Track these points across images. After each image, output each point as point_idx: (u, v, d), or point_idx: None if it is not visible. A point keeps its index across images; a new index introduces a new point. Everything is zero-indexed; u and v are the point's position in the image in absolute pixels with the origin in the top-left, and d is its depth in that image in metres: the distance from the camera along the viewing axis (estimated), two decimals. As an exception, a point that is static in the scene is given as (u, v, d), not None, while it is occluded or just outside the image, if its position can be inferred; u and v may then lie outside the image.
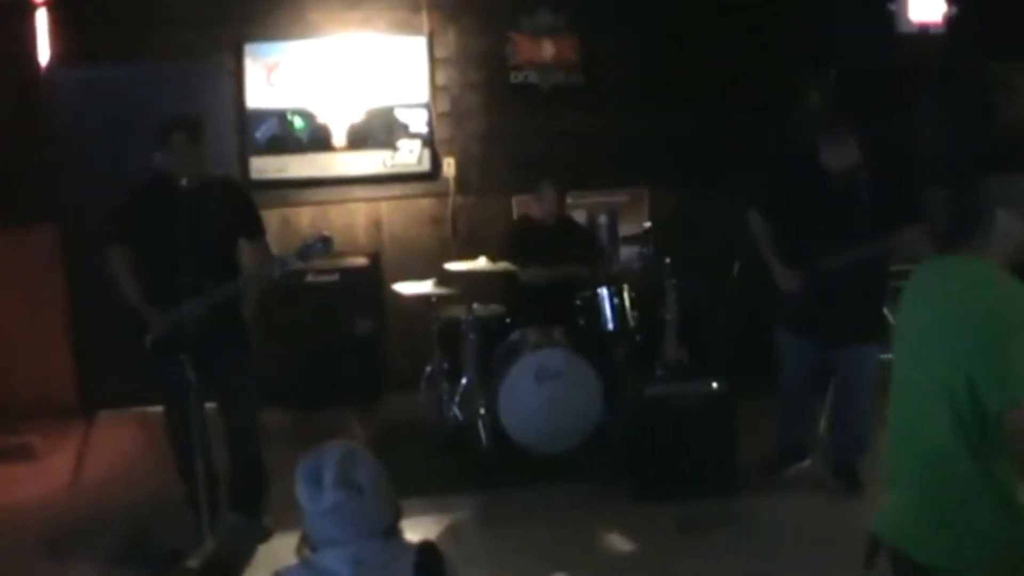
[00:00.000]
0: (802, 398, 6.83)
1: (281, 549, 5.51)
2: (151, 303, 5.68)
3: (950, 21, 7.88)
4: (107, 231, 5.93)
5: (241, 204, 6.03)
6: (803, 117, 7.21)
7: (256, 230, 5.99)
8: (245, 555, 5.89)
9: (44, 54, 8.24)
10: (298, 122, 8.63)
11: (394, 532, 2.98)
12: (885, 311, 6.55)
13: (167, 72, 8.32)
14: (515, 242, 7.96)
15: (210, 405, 5.84)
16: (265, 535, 6.03)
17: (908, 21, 7.79)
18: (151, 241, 5.70)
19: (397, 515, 3.00)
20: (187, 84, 8.32)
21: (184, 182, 5.63)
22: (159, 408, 6.05)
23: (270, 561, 5.70)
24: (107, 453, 7.71)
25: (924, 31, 7.85)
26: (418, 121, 8.80)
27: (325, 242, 5.71)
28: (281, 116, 8.62)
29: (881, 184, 6.34)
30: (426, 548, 3.00)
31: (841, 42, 8.41)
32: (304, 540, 2.97)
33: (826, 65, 8.50)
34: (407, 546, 3.00)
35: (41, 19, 8.20)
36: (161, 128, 5.72)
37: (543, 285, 7.73)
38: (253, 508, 6.10)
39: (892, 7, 7.83)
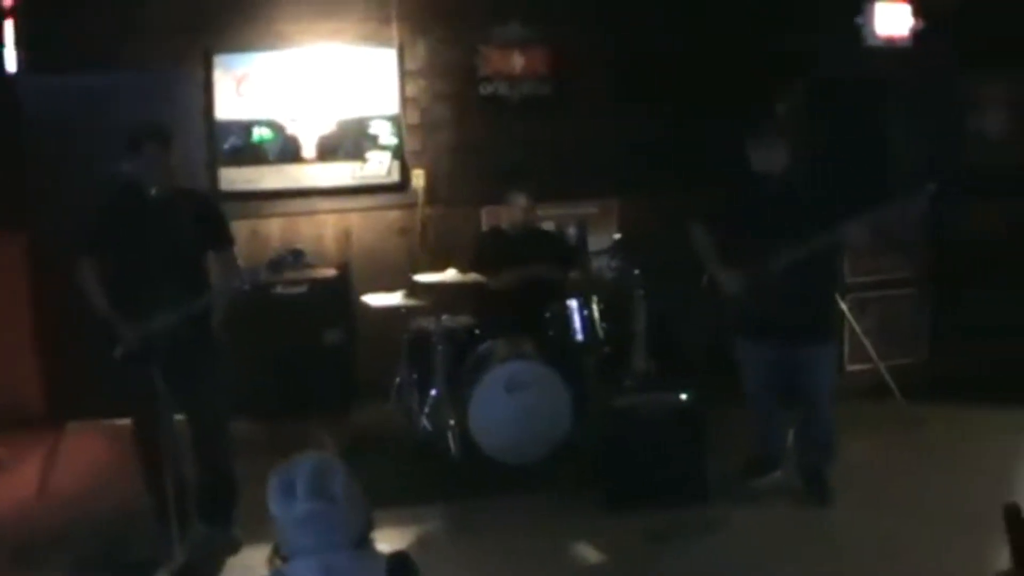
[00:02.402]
0: (768, 406, 6.85)
1: (253, 560, 5.52)
2: (121, 314, 5.63)
3: (917, 35, 7.94)
4: (77, 242, 5.89)
5: (210, 215, 6.01)
6: (777, 126, 7.26)
7: (225, 241, 5.97)
8: (215, 566, 5.86)
9: (12, 63, 8.20)
10: (267, 133, 8.62)
11: (366, 542, 2.99)
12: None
13: (136, 82, 8.28)
14: (484, 252, 7.98)
15: (179, 416, 5.82)
16: (235, 546, 6.00)
17: (875, 35, 7.85)
18: (120, 252, 5.68)
19: (369, 526, 3.01)
20: (156, 94, 8.26)
21: (153, 192, 5.60)
22: (128, 419, 6.02)
23: (242, 572, 5.72)
24: (75, 464, 7.66)
25: (891, 44, 7.91)
26: (388, 133, 8.81)
27: (297, 255, 5.71)
28: (250, 127, 8.61)
29: (823, 185, 6.43)
30: (398, 558, 3.01)
31: (810, 54, 8.46)
32: (276, 550, 2.98)
33: (795, 76, 8.56)
34: (379, 556, 3.00)
35: (9, 28, 8.16)
36: (131, 137, 5.69)
37: (513, 296, 7.73)
38: (223, 519, 6.06)
39: (859, 20, 7.89)
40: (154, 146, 5.69)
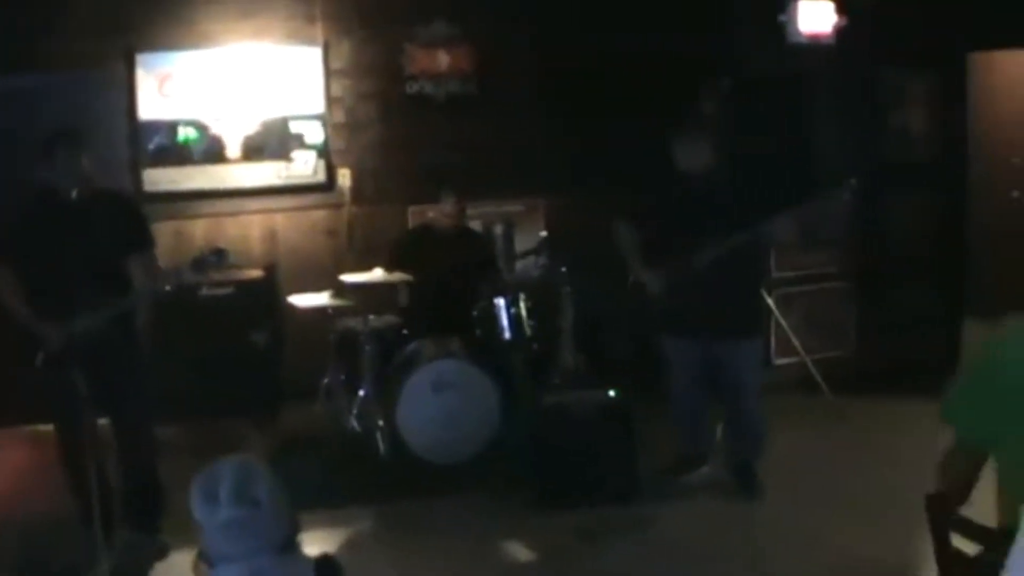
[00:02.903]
0: (695, 402, 6.90)
1: (178, 566, 5.47)
2: (42, 319, 5.56)
3: (840, 31, 8.01)
4: None
5: (130, 216, 5.97)
6: (699, 124, 7.31)
7: (145, 243, 5.92)
8: (142, 572, 5.81)
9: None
10: (191, 133, 8.53)
11: (292, 547, 2.96)
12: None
13: (56, 83, 8.15)
14: (407, 250, 7.96)
15: (102, 421, 5.76)
16: (162, 551, 5.94)
17: (798, 32, 7.90)
18: (39, 257, 5.63)
19: (295, 530, 2.98)
20: (77, 95, 8.15)
21: (73, 195, 5.58)
22: (48, 426, 5.95)
23: (167, 577, 5.68)
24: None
25: (814, 41, 7.97)
26: (313, 132, 8.76)
27: (219, 255, 5.66)
28: (174, 127, 8.51)
29: (746, 182, 6.49)
30: (325, 562, 2.99)
31: (734, 52, 8.52)
32: (201, 556, 2.94)
33: (720, 74, 8.61)
34: (305, 560, 2.98)
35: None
36: (43, 143, 5.66)
37: (439, 294, 7.72)
38: (149, 524, 6.01)
39: (783, 18, 7.94)
40: (66, 151, 5.64)
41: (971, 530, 3.48)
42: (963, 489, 3.52)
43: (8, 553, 6.12)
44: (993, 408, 3.38)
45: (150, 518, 6.03)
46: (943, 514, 3.49)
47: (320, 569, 2.95)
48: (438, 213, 8.06)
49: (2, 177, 7.93)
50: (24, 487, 7.20)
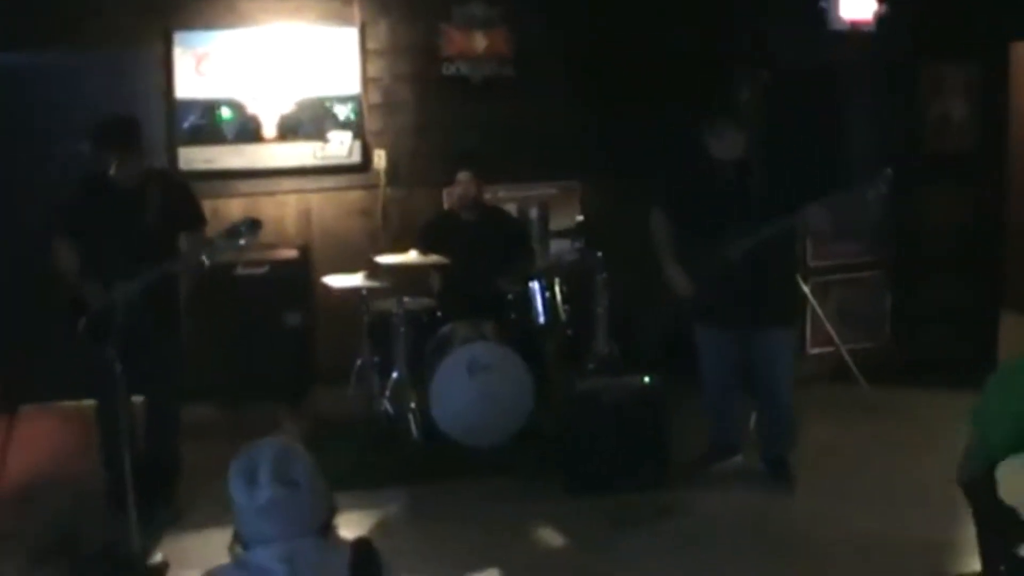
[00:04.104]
0: (727, 392, 6.87)
1: (214, 547, 5.47)
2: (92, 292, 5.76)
3: (881, 19, 7.94)
4: (52, 224, 6.10)
5: (182, 196, 6.22)
6: (735, 113, 7.26)
7: (197, 221, 6.16)
8: (158, 539, 5.92)
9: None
10: (227, 113, 8.53)
11: (328, 529, 2.95)
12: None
13: (94, 60, 8.17)
14: (436, 234, 7.93)
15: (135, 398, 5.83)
16: (175, 518, 6.13)
17: (840, 19, 7.83)
18: (93, 235, 5.87)
19: (332, 512, 2.97)
20: (115, 73, 8.19)
21: (128, 176, 5.88)
22: (83, 402, 6.03)
23: (202, 560, 5.63)
24: (30, 449, 7.57)
25: (855, 29, 7.90)
26: (349, 112, 8.74)
27: (252, 224, 5.69)
28: (210, 106, 8.50)
29: (782, 171, 6.44)
30: (362, 545, 2.98)
31: (774, 39, 8.45)
32: (236, 538, 2.93)
33: (759, 62, 8.54)
34: (342, 543, 2.97)
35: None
36: (98, 135, 5.83)
37: (472, 276, 7.69)
38: (166, 495, 6.22)
39: (824, 5, 7.88)
40: (122, 144, 5.90)
41: (1014, 525, 3.47)
42: (981, 484, 3.54)
43: (40, 531, 6.14)
44: (1013, 420, 3.41)
45: (168, 490, 6.26)
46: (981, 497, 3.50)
47: (356, 553, 2.93)
48: (455, 192, 8.04)
49: (42, 153, 7.99)
50: (56, 464, 7.22)
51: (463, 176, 7.99)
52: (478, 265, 7.74)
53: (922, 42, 8.63)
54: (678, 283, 6.62)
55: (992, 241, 9.19)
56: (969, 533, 3.69)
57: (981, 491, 3.55)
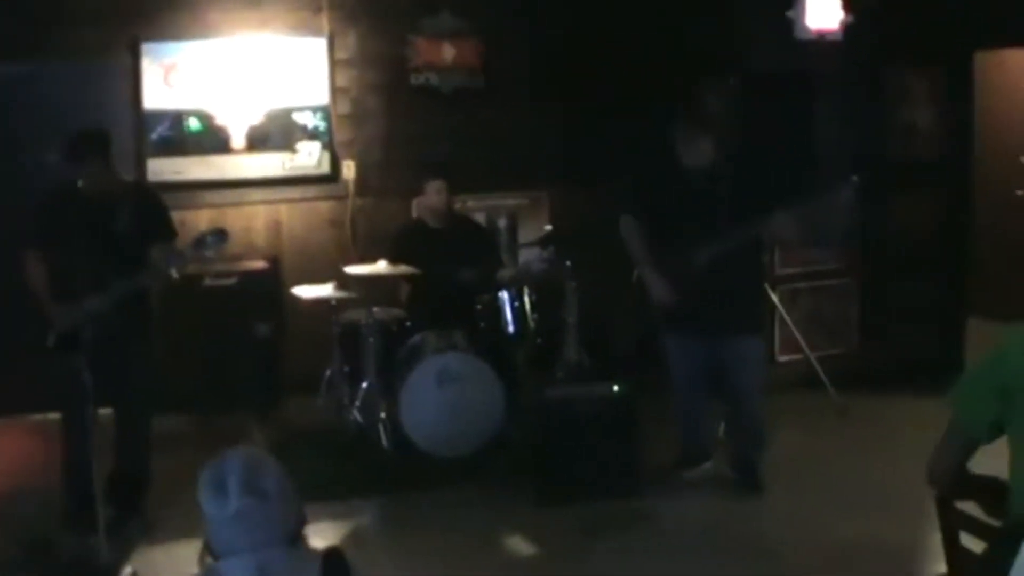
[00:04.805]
0: (697, 399, 6.89)
1: (184, 559, 5.45)
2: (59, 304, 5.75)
3: (847, 28, 7.98)
4: (23, 234, 6.10)
5: (153, 208, 6.17)
6: (704, 120, 7.30)
7: (168, 233, 6.13)
8: (130, 548, 5.91)
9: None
10: (196, 124, 8.51)
11: (299, 539, 2.95)
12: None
13: (62, 72, 8.14)
14: (405, 244, 7.90)
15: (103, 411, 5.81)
16: (144, 528, 6.13)
17: (806, 28, 7.87)
18: (65, 247, 5.84)
19: (302, 522, 2.97)
20: (83, 84, 8.15)
21: (98, 188, 5.87)
22: (49, 415, 6.01)
23: (172, 572, 5.64)
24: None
25: (822, 38, 7.94)
26: (318, 123, 8.73)
27: (219, 235, 5.71)
28: (178, 117, 8.48)
29: (749, 179, 6.47)
30: (332, 554, 2.97)
31: (741, 49, 8.50)
32: (207, 549, 2.92)
33: (726, 69, 8.59)
34: (312, 553, 2.97)
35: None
36: (72, 148, 5.84)
37: (441, 287, 7.69)
38: (136, 504, 6.21)
39: (790, 14, 7.91)
40: (96, 157, 5.88)
41: (978, 528, 3.50)
42: (952, 475, 3.56)
43: (8, 543, 6.10)
44: (992, 395, 3.43)
45: (138, 499, 6.23)
46: (953, 513, 3.51)
47: (328, 562, 2.93)
48: (425, 202, 8.02)
49: (8, 162, 7.97)
50: (22, 477, 7.18)
51: (436, 185, 7.96)
52: (447, 274, 7.74)
53: (888, 51, 8.68)
54: (657, 288, 6.63)
55: (958, 247, 9.26)
56: (938, 537, 3.71)
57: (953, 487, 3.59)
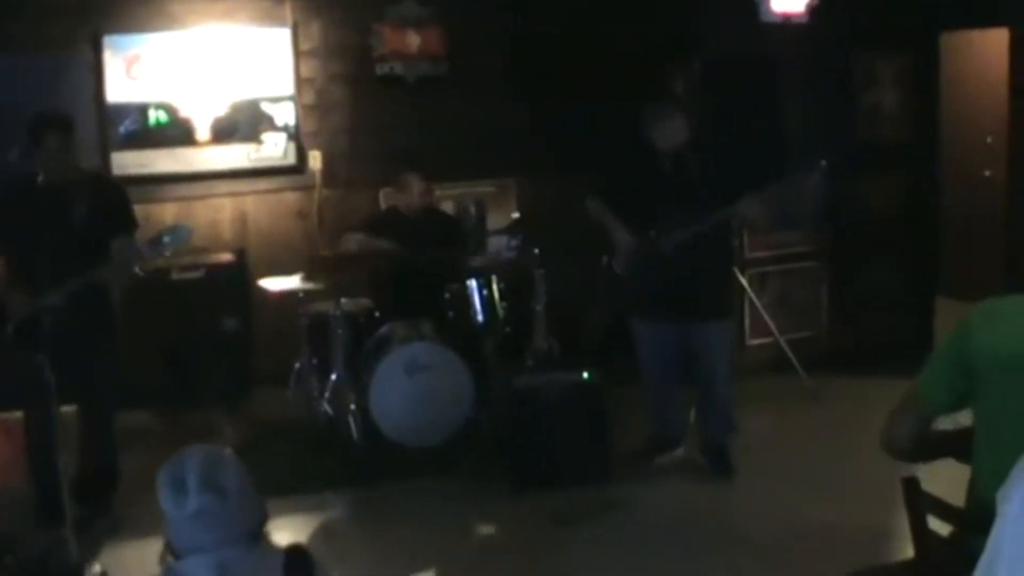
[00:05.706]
0: (667, 385, 6.90)
1: (153, 556, 5.41)
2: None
3: (813, 12, 7.99)
4: None
5: (115, 200, 6.08)
6: (670, 104, 7.29)
7: (129, 226, 6.02)
8: (97, 547, 5.89)
9: None
10: (160, 116, 8.45)
11: (260, 536, 2.92)
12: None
13: (23, 65, 8.05)
14: (375, 227, 7.83)
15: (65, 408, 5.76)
16: (113, 527, 6.10)
17: (771, 11, 7.86)
18: (24, 238, 5.76)
19: (263, 519, 2.94)
20: (44, 77, 8.06)
21: (59, 178, 5.76)
22: (11, 412, 5.93)
23: (141, 570, 5.59)
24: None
25: (787, 21, 7.94)
26: (283, 114, 8.68)
27: (179, 232, 5.69)
28: (142, 110, 8.41)
29: (717, 163, 6.48)
30: (295, 550, 2.96)
31: (705, 33, 8.49)
32: (168, 548, 2.90)
33: (691, 55, 8.58)
34: (275, 550, 2.94)
35: None
36: (32, 129, 5.74)
37: (410, 276, 7.65)
38: (104, 503, 6.17)
39: (757, -3, 7.91)
40: (56, 138, 5.77)
41: (944, 511, 3.51)
42: (913, 442, 3.55)
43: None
44: (955, 370, 3.44)
45: (106, 497, 6.19)
46: (920, 496, 3.52)
47: (290, 559, 2.91)
48: (402, 195, 7.95)
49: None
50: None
51: (413, 177, 7.87)
52: (419, 263, 7.70)
53: (855, 34, 8.70)
54: (623, 244, 6.61)
55: (926, 229, 9.29)
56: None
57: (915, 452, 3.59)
